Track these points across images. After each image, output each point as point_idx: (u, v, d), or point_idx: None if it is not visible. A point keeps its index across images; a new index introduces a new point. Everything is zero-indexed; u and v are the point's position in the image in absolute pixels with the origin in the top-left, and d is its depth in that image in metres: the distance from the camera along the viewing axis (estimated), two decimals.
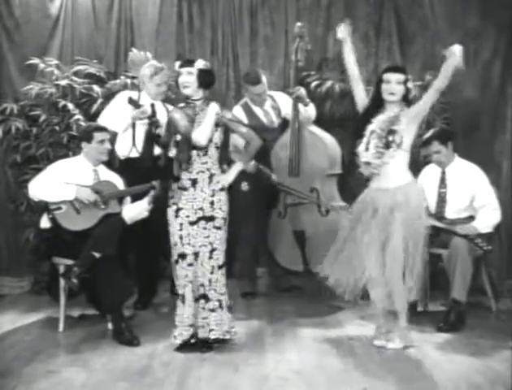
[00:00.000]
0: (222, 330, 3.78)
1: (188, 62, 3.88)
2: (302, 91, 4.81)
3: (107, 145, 4.30)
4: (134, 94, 4.68)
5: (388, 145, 3.72)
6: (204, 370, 3.50)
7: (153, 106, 4.65)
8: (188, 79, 3.82)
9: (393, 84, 3.75)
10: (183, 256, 3.80)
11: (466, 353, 3.75)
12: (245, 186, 3.92)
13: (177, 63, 3.91)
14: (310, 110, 4.89)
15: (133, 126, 4.58)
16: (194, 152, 3.81)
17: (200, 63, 3.86)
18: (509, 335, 4.00)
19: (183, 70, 3.83)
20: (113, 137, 4.53)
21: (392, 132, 3.72)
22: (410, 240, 3.68)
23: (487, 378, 3.37)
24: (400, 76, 3.76)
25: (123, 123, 4.56)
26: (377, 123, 3.76)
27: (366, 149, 3.76)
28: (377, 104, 3.83)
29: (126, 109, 4.57)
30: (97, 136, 4.27)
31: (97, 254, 3.94)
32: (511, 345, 3.80)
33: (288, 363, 3.60)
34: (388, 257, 3.70)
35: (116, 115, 4.57)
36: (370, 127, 3.78)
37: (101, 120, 4.61)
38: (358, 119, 3.89)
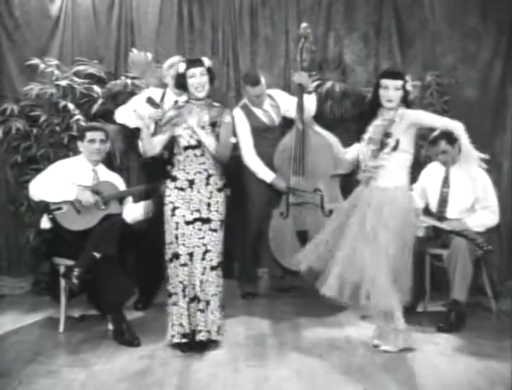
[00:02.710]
0: (208, 330, 3.76)
1: (198, 62, 3.78)
2: (304, 76, 4.70)
3: (97, 145, 4.28)
4: (159, 92, 4.64)
5: (382, 147, 3.69)
6: (204, 371, 3.50)
7: (176, 103, 4.60)
8: (204, 79, 3.75)
9: (391, 91, 3.68)
10: (176, 256, 3.78)
11: (466, 353, 3.76)
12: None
13: (182, 65, 3.80)
14: (311, 101, 4.83)
15: (156, 123, 4.55)
16: (191, 152, 3.80)
17: (207, 61, 3.80)
18: (509, 335, 4.00)
19: (195, 71, 3.73)
20: (116, 135, 4.53)
21: (387, 134, 3.68)
22: (399, 241, 3.60)
23: (487, 378, 3.37)
24: (398, 83, 3.68)
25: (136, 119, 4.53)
26: (373, 129, 3.75)
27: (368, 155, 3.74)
28: (374, 108, 3.79)
29: (145, 106, 4.56)
30: (89, 135, 4.29)
31: (97, 255, 3.95)
32: (511, 346, 3.81)
33: (288, 363, 3.60)
34: (373, 257, 3.60)
35: (132, 110, 4.55)
36: (367, 136, 3.76)
37: (117, 114, 4.62)
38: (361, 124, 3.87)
